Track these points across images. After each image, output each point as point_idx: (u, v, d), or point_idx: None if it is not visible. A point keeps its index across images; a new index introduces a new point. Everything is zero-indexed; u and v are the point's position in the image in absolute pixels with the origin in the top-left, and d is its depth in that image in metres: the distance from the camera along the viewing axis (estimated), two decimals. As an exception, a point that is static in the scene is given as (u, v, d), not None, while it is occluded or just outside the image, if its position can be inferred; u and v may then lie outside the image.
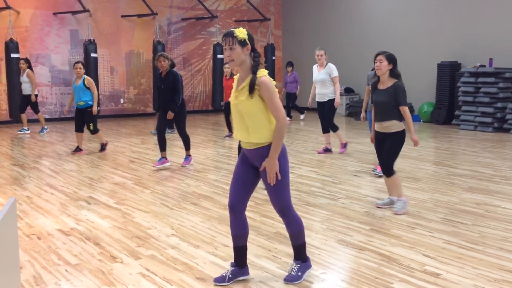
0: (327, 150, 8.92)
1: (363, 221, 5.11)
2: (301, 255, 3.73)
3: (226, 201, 5.86)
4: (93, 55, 13.75)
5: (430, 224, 4.97)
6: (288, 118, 14.32)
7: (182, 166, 7.88)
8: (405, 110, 5.29)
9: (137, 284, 3.67)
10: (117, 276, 3.82)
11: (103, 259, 4.16)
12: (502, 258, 4.09)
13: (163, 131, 7.81)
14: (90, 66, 13.70)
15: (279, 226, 4.97)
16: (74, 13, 14.25)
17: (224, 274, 3.68)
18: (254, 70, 3.44)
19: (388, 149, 5.37)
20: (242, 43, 3.41)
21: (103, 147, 9.32)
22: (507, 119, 11.48)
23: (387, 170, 5.42)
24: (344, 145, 9.05)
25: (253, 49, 3.49)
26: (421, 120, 13.48)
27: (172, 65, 11.64)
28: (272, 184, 3.48)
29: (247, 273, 3.75)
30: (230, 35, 3.42)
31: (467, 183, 6.69)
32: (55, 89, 14.36)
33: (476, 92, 11.92)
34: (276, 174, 3.45)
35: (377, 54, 5.34)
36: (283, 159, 3.52)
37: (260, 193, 6.26)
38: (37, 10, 13.93)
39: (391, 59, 5.28)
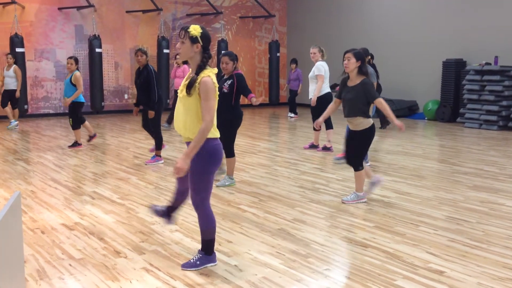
0: (325, 148, 9.00)
1: (367, 218, 5.11)
2: (207, 248, 3.83)
3: (229, 197, 5.87)
4: (97, 50, 13.74)
5: (434, 222, 4.96)
6: (293, 115, 14.29)
7: (146, 164, 7.78)
8: (380, 101, 5.40)
9: (141, 279, 3.68)
10: (121, 270, 3.82)
11: (107, 253, 4.17)
12: (506, 256, 4.08)
13: (148, 127, 7.89)
14: (95, 62, 13.70)
15: (283, 222, 4.97)
16: (79, 8, 14.25)
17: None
18: (197, 70, 3.52)
19: (356, 147, 5.55)
20: (193, 39, 3.50)
21: (74, 144, 9.25)
22: (512, 118, 11.44)
23: (356, 165, 5.59)
24: (313, 146, 9.09)
25: (206, 49, 3.54)
26: (426, 118, 13.45)
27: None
28: (190, 177, 3.60)
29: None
30: (183, 29, 3.53)
31: (471, 181, 6.67)
32: (59, 84, 14.36)
33: (481, 90, 11.87)
34: (198, 173, 3.55)
35: (345, 52, 5.40)
36: (208, 158, 3.55)
37: (263, 189, 6.26)
38: (42, 5, 13.94)
39: (359, 57, 5.35)
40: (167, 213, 4.09)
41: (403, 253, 4.14)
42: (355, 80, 5.43)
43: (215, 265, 3.87)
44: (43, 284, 3.61)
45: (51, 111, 14.36)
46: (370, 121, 5.47)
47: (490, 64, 11.97)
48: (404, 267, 3.86)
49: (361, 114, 5.41)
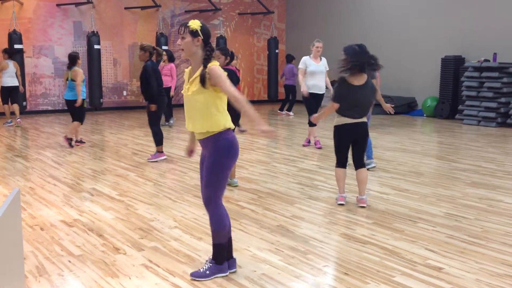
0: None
1: (365, 215, 5.12)
2: (217, 256, 3.63)
3: (229, 194, 5.87)
4: (96, 47, 13.73)
5: (432, 219, 4.97)
6: (285, 112, 14.21)
7: (148, 161, 7.79)
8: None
9: (140, 275, 3.69)
10: (120, 267, 3.83)
11: (106, 250, 4.17)
12: (504, 253, 4.09)
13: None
14: (93, 58, 13.70)
15: (281, 219, 4.97)
16: (77, 4, 14.23)
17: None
18: (204, 63, 3.47)
19: (364, 145, 5.37)
20: (193, 33, 3.45)
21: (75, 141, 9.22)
22: (510, 114, 11.45)
23: (364, 164, 5.41)
24: (311, 142, 9.11)
25: (207, 43, 3.51)
26: (425, 115, 13.45)
27: (169, 58, 11.57)
28: (206, 172, 3.50)
29: (234, 267, 3.73)
30: (183, 25, 3.49)
31: (470, 177, 6.68)
32: (58, 80, 14.35)
33: (480, 87, 11.88)
34: (214, 166, 3.47)
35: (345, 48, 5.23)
36: (227, 152, 3.50)
37: (262, 186, 6.26)
38: (40, 1, 13.91)
39: None
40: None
41: (401, 250, 4.15)
42: (359, 78, 5.14)
43: (226, 275, 3.64)
44: (42, 280, 3.61)
45: (50, 108, 14.34)
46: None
47: (488, 61, 11.98)
48: (403, 264, 3.87)
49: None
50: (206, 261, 3.73)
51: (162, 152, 7.89)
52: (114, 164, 7.58)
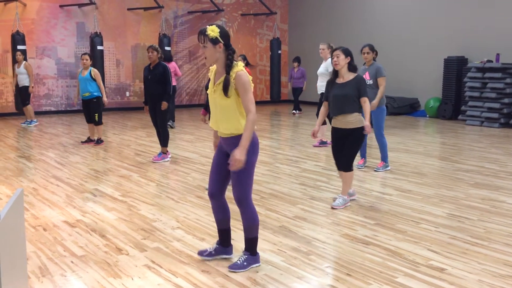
0: (323, 143, 9.02)
1: (368, 215, 5.11)
2: (251, 248, 3.81)
3: (230, 194, 5.86)
4: (99, 47, 13.76)
5: (435, 219, 4.96)
6: (298, 111, 14.37)
7: (153, 161, 7.78)
8: (366, 100, 5.32)
9: (143, 276, 3.69)
10: (123, 267, 3.84)
11: (109, 251, 4.18)
12: (507, 254, 4.08)
13: (157, 124, 7.91)
14: (96, 59, 13.71)
15: (284, 220, 4.97)
16: (80, 5, 14.26)
17: (208, 249, 3.94)
18: (227, 69, 3.51)
19: (351, 146, 5.32)
20: (214, 41, 3.49)
21: (98, 141, 9.34)
22: (513, 115, 11.44)
23: (348, 166, 5.36)
24: (322, 142, 9.06)
25: (228, 46, 3.54)
26: (427, 115, 13.44)
27: (167, 58, 11.68)
28: (233, 171, 3.59)
29: (230, 253, 3.96)
30: (202, 33, 3.51)
31: (473, 178, 6.67)
32: (61, 81, 14.39)
33: (483, 88, 11.87)
34: (245, 165, 3.56)
35: (334, 50, 5.37)
36: (252, 150, 3.60)
37: (265, 186, 6.26)
38: (43, 3, 13.95)
39: (347, 53, 5.30)
40: (222, 243, 3.96)
41: (404, 251, 4.15)
42: (346, 76, 5.32)
43: (259, 266, 3.82)
44: (45, 281, 3.62)
45: (53, 109, 14.37)
46: (363, 119, 5.35)
47: (491, 61, 11.96)
48: (405, 265, 3.87)
49: (356, 110, 5.27)
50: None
51: (168, 152, 7.93)
52: (117, 165, 7.59)
